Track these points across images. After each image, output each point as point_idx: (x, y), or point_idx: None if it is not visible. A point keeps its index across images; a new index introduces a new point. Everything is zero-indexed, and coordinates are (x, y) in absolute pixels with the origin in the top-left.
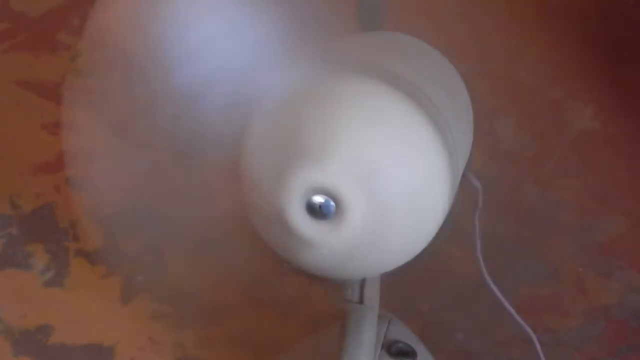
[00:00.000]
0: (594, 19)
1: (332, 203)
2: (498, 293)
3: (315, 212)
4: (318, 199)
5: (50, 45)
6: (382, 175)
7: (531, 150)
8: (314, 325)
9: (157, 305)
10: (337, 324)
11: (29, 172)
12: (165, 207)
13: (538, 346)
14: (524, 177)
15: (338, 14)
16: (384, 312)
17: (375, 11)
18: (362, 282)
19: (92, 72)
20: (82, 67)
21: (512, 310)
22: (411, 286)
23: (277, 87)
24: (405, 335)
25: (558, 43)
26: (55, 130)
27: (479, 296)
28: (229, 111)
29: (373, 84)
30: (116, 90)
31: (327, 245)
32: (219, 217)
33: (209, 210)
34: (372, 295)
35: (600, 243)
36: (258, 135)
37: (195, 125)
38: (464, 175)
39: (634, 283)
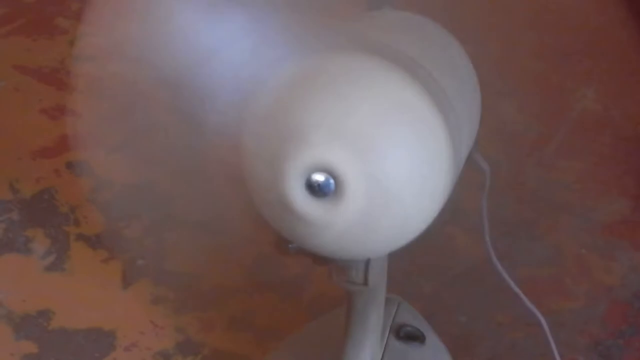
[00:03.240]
0: (598, 1)
1: (331, 181)
2: (507, 277)
3: (315, 189)
4: (318, 176)
5: (49, 29)
6: (382, 154)
7: (533, 132)
8: (316, 307)
9: (158, 289)
10: (342, 307)
11: (28, 156)
12: (167, 189)
13: (547, 330)
14: (526, 159)
15: None
16: (393, 295)
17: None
18: (367, 263)
19: (91, 56)
20: (81, 51)
21: (522, 294)
22: (413, 267)
23: (280, 66)
24: (414, 318)
25: (560, 25)
26: (55, 115)
27: (482, 278)
28: (230, 90)
29: (375, 64)
30: (116, 74)
31: (327, 224)
32: (220, 199)
33: (211, 191)
34: (378, 277)
35: (602, 224)
36: (259, 113)
37: (197, 105)
38: (470, 157)
39: (637, 264)
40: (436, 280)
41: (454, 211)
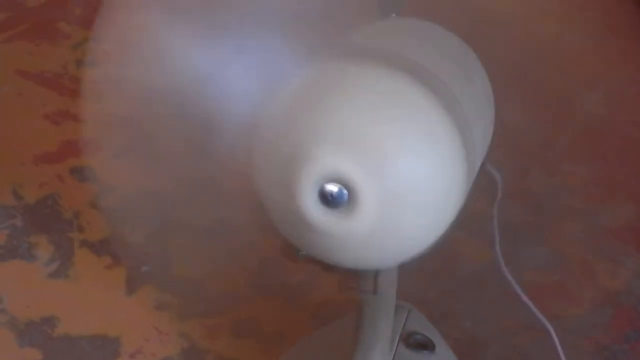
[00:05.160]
0: (602, 3)
1: (345, 191)
2: (515, 284)
3: (328, 200)
4: (331, 187)
5: (51, 34)
6: (396, 164)
7: (538, 136)
8: (322, 314)
9: (162, 295)
10: (349, 315)
11: (31, 162)
12: (171, 195)
13: (555, 336)
14: (531, 164)
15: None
16: (403, 303)
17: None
18: (377, 272)
19: (96, 62)
20: (85, 56)
21: (528, 301)
22: (418, 272)
23: (293, 75)
24: (424, 326)
25: (564, 29)
26: (57, 120)
27: (487, 283)
28: (241, 99)
29: (387, 73)
30: (122, 79)
31: (339, 234)
32: (225, 204)
33: (216, 197)
34: (388, 285)
35: (608, 229)
36: (272, 122)
37: (206, 112)
38: (482, 166)
39: None
40: (441, 285)
41: (459, 216)
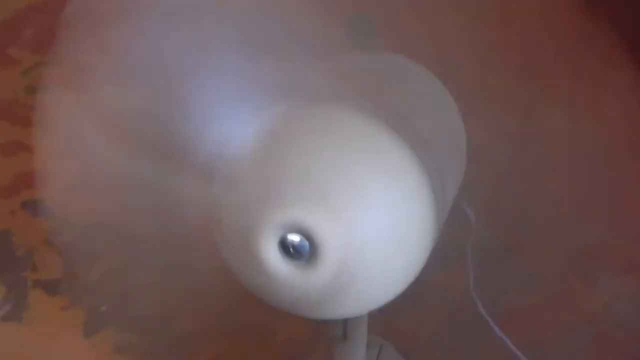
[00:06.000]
0: (561, 14)
1: (306, 242)
2: (489, 319)
3: (289, 251)
4: (292, 237)
5: (0, 60)
6: (360, 215)
7: (505, 154)
8: (289, 353)
9: (122, 337)
10: (316, 355)
11: None
12: (130, 229)
13: None
14: (500, 183)
15: (327, 32)
16: (374, 337)
17: (366, 31)
18: (345, 320)
19: (47, 87)
20: (37, 82)
21: (501, 333)
22: (389, 303)
23: (253, 120)
24: None
25: (525, 42)
26: (9, 151)
27: (461, 311)
28: (203, 139)
29: (349, 117)
30: (74, 105)
31: (301, 286)
32: (189, 238)
33: (178, 231)
34: (358, 330)
35: (581, 248)
36: (234, 168)
37: (168, 140)
38: (455, 205)
39: (620, 290)
40: (413, 315)
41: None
